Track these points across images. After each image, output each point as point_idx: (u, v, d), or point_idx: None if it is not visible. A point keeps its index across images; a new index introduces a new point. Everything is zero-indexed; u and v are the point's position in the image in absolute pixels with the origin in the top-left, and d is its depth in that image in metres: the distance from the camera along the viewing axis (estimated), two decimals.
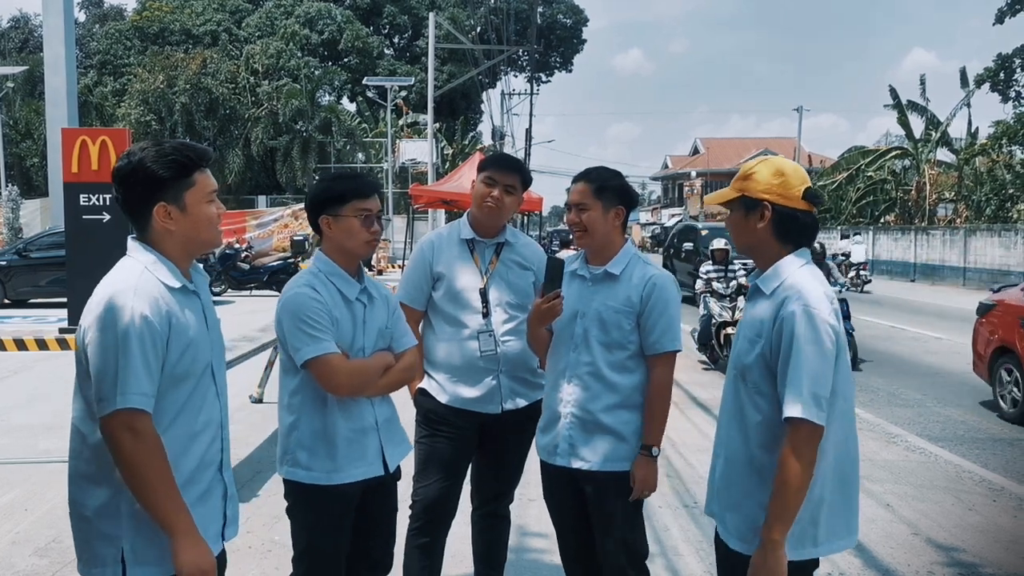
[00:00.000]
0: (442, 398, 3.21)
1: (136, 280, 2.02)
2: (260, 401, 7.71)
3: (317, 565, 2.68)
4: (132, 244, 2.12)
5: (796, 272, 2.24)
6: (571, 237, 3.51)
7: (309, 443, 2.63)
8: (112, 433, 1.95)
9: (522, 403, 3.26)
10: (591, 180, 2.87)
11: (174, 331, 2.03)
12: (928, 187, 31.46)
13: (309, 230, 26.94)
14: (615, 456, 2.83)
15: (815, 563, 2.28)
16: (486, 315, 3.19)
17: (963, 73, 30.35)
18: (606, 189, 2.85)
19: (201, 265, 2.26)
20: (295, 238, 22.98)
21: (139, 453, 1.94)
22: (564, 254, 18.80)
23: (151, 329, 1.98)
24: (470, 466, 3.38)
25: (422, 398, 3.25)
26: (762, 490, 2.21)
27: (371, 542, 2.81)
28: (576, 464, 2.86)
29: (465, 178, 15.18)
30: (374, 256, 26.96)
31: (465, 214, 3.34)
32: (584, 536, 2.98)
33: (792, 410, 2.11)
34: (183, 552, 1.99)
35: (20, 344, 10.70)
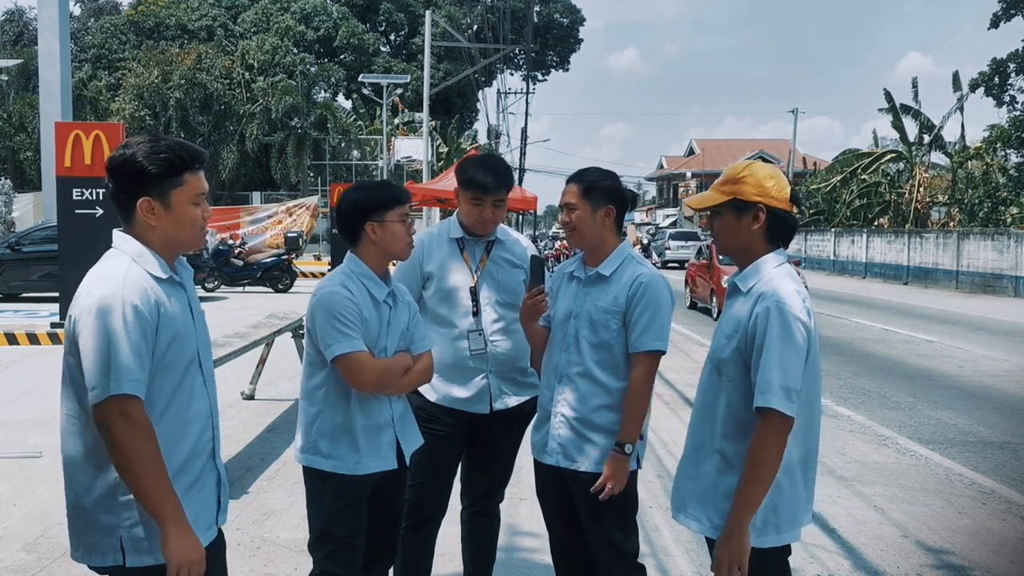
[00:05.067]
0: (432, 397, 3.21)
1: (124, 270, 2.05)
2: (252, 398, 7.69)
3: (333, 552, 2.77)
4: (119, 236, 2.15)
5: (772, 271, 2.36)
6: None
7: (330, 434, 2.75)
8: (105, 420, 1.97)
9: (512, 403, 3.26)
10: (580, 181, 2.92)
11: (162, 320, 2.06)
12: (921, 190, 31.56)
13: (303, 227, 26.96)
14: (603, 458, 2.84)
15: (786, 551, 2.40)
16: (476, 314, 3.19)
17: (955, 77, 30.46)
18: (594, 189, 2.88)
19: (185, 259, 2.31)
20: (289, 234, 22.93)
21: (132, 439, 1.96)
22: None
23: (140, 318, 2.00)
24: (460, 464, 3.38)
25: (412, 396, 3.23)
26: (727, 479, 2.34)
27: (383, 532, 2.92)
28: (565, 464, 2.89)
29: None
30: None
31: (455, 213, 3.34)
32: (574, 533, 3.01)
33: (763, 400, 2.21)
34: (172, 541, 2.01)
35: (11, 338, 10.69)
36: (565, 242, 26.44)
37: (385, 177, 35.76)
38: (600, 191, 2.88)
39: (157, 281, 2.09)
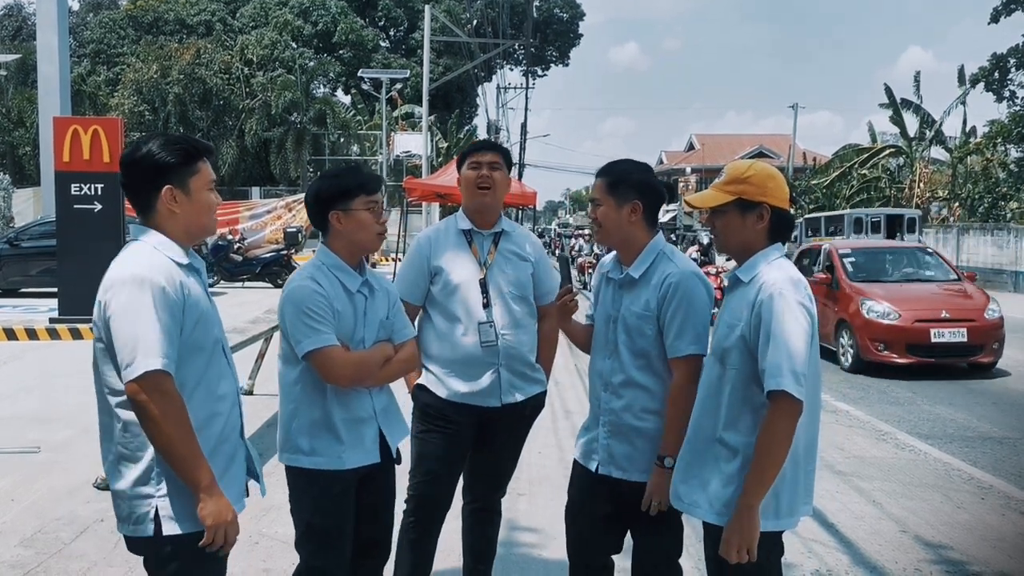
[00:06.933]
0: (441, 392, 3.18)
1: (149, 256, 2.18)
2: (250, 393, 7.68)
3: (318, 547, 2.74)
4: (138, 228, 2.27)
5: (773, 262, 2.41)
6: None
7: (309, 430, 2.72)
8: (139, 396, 2.07)
9: (520, 397, 3.24)
10: (607, 175, 2.83)
11: (188, 302, 2.18)
12: (921, 185, 31.53)
13: (302, 222, 26.90)
14: (650, 466, 2.75)
15: (778, 536, 2.41)
16: (487, 305, 3.18)
17: (961, 72, 30.39)
18: (621, 184, 2.78)
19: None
20: (288, 230, 22.88)
21: (166, 413, 2.08)
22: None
23: (167, 298, 2.12)
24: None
25: (420, 392, 3.23)
26: (726, 467, 2.37)
27: (370, 528, 2.86)
28: (617, 474, 2.81)
29: None
30: None
31: (460, 208, 3.34)
32: (604, 539, 2.94)
33: (774, 384, 2.23)
34: (208, 506, 2.15)
35: (10, 334, 10.67)
36: (587, 256, 25.46)
37: (385, 173, 35.73)
38: (627, 185, 2.77)
39: (179, 266, 2.21)
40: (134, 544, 2.25)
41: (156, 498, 2.17)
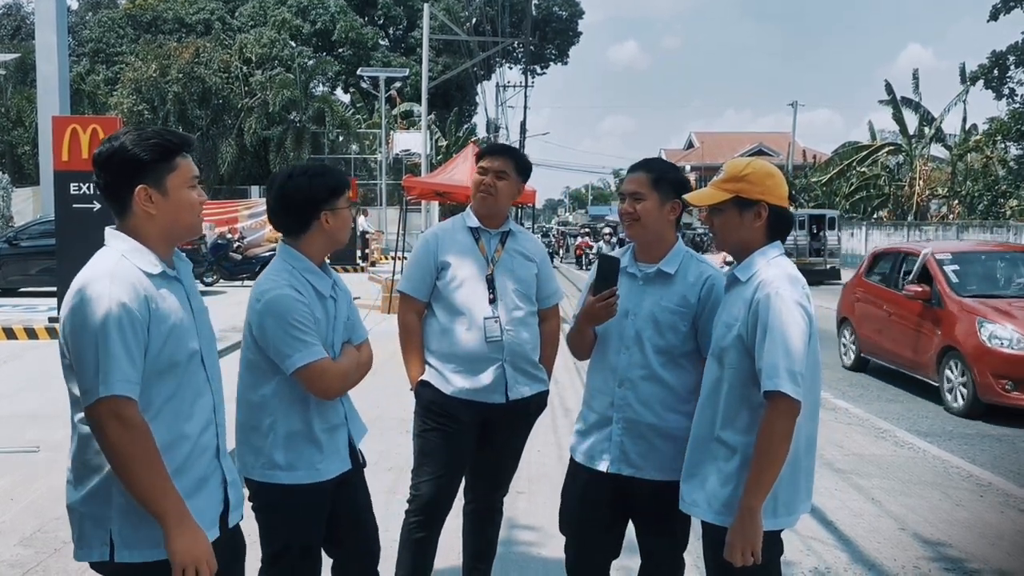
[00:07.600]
0: (446, 389, 3.18)
1: (112, 267, 1.99)
2: None
3: (298, 563, 2.65)
4: (111, 233, 2.09)
5: (771, 261, 2.40)
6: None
7: (286, 443, 2.58)
8: (98, 422, 1.92)
9: (526, 392, 3.25)
10: (649, 170, 2.78)
11: (154, 317, 1.99)
12: (921, 183, 31.56)
13: None
14: (670, 465, 2.68)
15: (777, 535, 2.40)
16: (492, 301, 3.19)
17: (963, 70, 30.38)
18: (664, 180, 2.75)
19: (184, 254, 2.24)
20: None
21: (126, 441, 1.91)
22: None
23: (130, 315, 1.94)
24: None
25: (423, 389, 3.22)
26: (725, 466, 2.36)
27: (355, 534, 2.78)
28: (628, 472, 2.75)
29: (458, 170, 15.10)
30: (368, 247, 26.82)
31: (468, 206, 3.37)
32: (603, 543, 2.91)
33: (772, 384, 2.22)
34: (175, 539, 1.96)
35: (9, 333, 10.70)
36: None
37: (384, 171, 35.75)
38: (669, 183, 2.75)
39: (148, 277, 2.02)
40: (93, 567, 2.07)
41: (112, 520, 1.99)
